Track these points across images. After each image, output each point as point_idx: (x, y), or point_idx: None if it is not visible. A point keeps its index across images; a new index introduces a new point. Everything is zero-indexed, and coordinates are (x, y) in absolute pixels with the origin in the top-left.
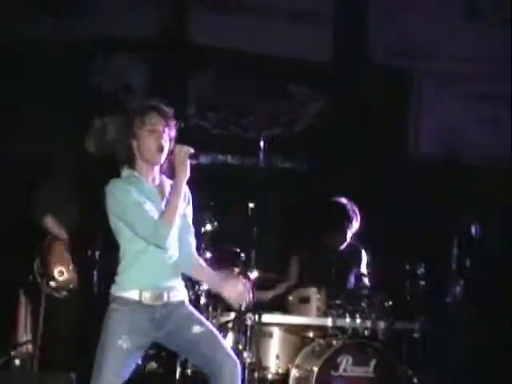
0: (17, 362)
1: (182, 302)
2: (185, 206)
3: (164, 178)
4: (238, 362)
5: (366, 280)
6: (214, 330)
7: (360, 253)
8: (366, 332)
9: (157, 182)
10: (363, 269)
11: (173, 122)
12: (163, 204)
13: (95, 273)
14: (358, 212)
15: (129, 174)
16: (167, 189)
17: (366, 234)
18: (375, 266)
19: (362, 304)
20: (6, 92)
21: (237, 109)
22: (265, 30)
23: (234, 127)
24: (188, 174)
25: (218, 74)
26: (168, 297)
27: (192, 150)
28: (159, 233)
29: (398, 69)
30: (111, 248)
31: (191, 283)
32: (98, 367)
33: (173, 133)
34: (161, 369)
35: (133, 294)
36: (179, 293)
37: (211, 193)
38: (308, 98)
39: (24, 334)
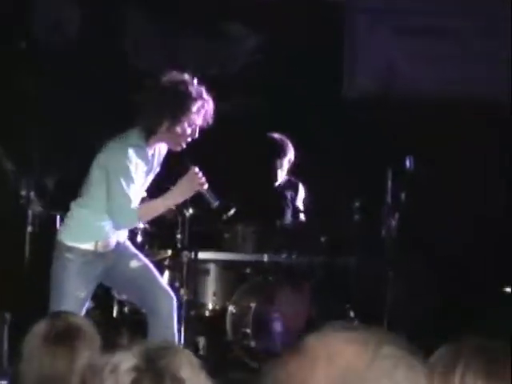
0: None
1: (123, 243)
2: None
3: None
4: (174, 296)
5: (302, 215)
6: (150, 265)
7: (297, 188)
8: (301, 268)
9: (155, 155)
10: (300, 204)
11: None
12: (155, 165)
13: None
14: (291, 147)
15: (138, 143)
16: (160, 153)
17: (301, 169)
18: (311, 201)
19: (298, 240)
20: None
21: (172, 49)
22: None
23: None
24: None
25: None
26: (116, 241)
27: (206, 186)
28: (130, 222)
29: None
30: None
31: None
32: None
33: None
34: (97, 308)
35: (89, 246)
36: (122, 233)
37: None
38: (243, 36)
39: None
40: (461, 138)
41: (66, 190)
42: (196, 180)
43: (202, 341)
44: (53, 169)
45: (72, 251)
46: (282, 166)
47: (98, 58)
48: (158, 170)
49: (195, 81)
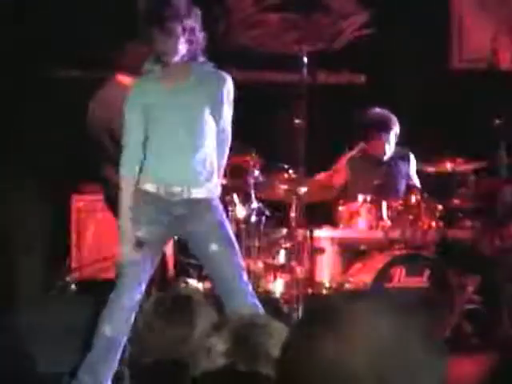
0: (72, 287)
1: (208, 204)
2: (221, 108)
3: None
4: (247, 289)
5: (417, 184)
6: (232, 252)
7: (408, 159)
8: (418, 242)
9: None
10: (413, 174)
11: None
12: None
13: None
14: (396, 120)
15: (150, 69)
16: (181, 77)
17: (410, 142)
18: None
19: (412, 214)
20: None
21: (278, 25)
22: None
23: (275, 44)
24: None
25: None
26: (188, 193)
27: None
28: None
29: None
30: None
31: (242, 199)
32: (121, 259)
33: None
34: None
35: (152, 187)
36: (203, 190)
37: (255, 111)
38: (348, 11)
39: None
40: None
41: None
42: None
43: None
44: None
45: (137, 191)
46: (388, 140)
47: None
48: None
49: None
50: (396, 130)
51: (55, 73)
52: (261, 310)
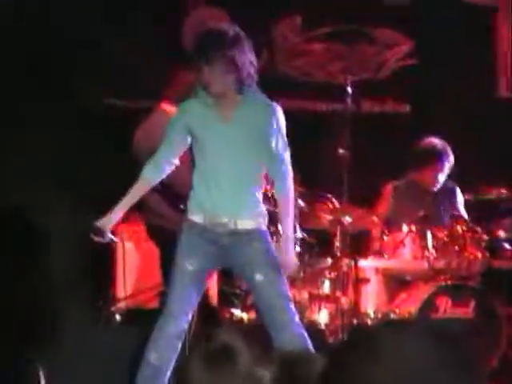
0: (117, 317)
1: (255, 234)
2: (270, 133)
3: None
4: (294, 319)
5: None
6: (279, 282)
7: (454, 193)
8: (463, 272)
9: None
10: (461, 209)
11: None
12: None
13: None
14: (450, 152)
15: (200, 95)
16: (229, 107)
17: (459, 173)
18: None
19: (457, 244)
20: None
21: (323, 55)
22: None
23: (320, 73)
24: None
25: (304, 19)
26: (235, 224)
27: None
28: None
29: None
30: None
31: None
32: (169, 288)
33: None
34: None
35: (198, 218)
36: (249, 221)
37: (300, 140)
38: (393, 41)
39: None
40: None
41: None
42: None
43: None
44: None
45: (186, 222)
46: (443, 171)
47: None
48: None
49: None
50: (451, 161)
51: (102, 102)
52: (307, 340)
